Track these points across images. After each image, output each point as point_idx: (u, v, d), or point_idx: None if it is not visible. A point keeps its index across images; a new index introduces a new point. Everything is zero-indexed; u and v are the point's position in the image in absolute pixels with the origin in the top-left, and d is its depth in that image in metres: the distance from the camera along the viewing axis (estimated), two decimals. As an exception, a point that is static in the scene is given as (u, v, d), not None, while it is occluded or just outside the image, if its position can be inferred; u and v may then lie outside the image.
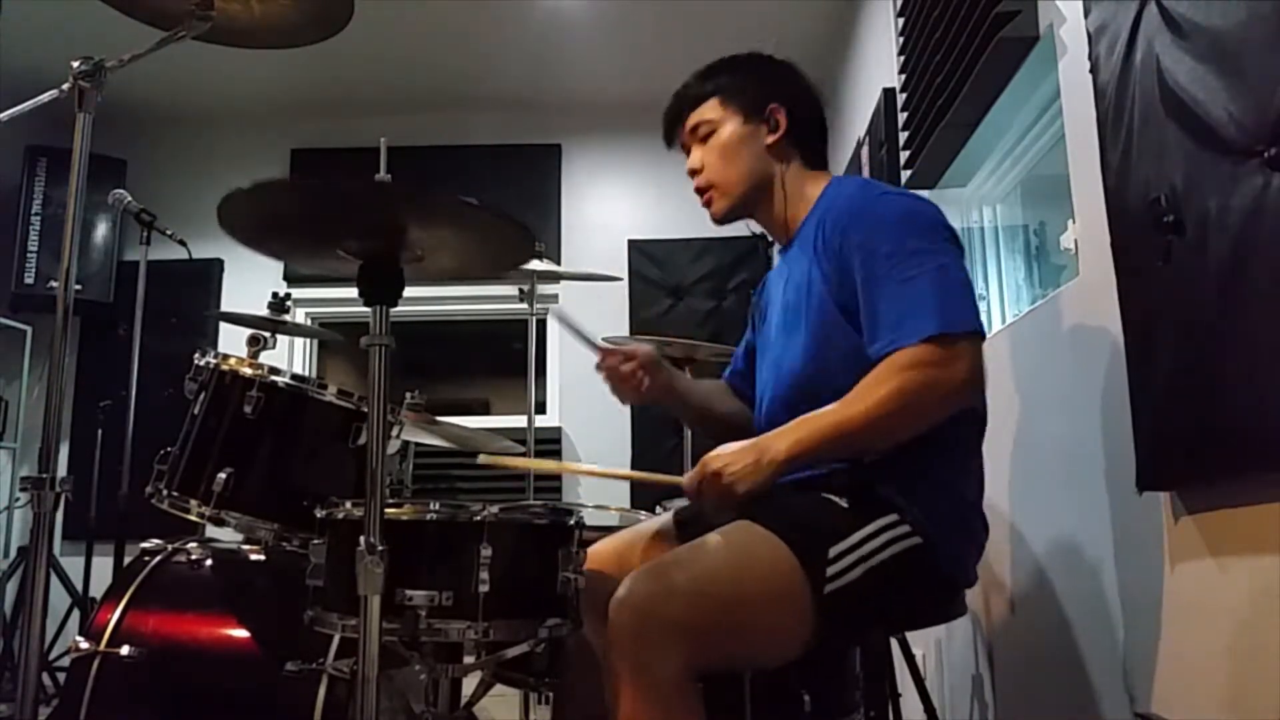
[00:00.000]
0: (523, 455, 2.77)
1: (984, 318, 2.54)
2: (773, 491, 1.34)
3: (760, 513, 1.29)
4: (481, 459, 1.53)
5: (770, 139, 1.51)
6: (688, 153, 1.58)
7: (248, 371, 1.75)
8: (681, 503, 1.79)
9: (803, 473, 1.38)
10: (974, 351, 1.25)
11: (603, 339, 1.62)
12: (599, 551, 1.53)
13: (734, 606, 1.22)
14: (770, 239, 1.65)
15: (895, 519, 1.29)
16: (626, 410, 4.16)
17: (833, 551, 1.25)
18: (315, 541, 1.38)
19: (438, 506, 1.35)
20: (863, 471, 1.33)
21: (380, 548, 1.15)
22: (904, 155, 2.68)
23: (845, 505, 1.31)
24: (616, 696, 1.17)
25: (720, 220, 1.57)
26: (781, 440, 1.27)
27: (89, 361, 4.17)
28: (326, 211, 1.25)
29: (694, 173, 1.56)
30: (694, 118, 1.55)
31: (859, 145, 3.25)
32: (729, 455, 1.28)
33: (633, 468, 4.04)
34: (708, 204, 1.56)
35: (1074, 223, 1.75)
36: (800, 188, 1.53)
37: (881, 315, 1.28)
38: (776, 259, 1.63)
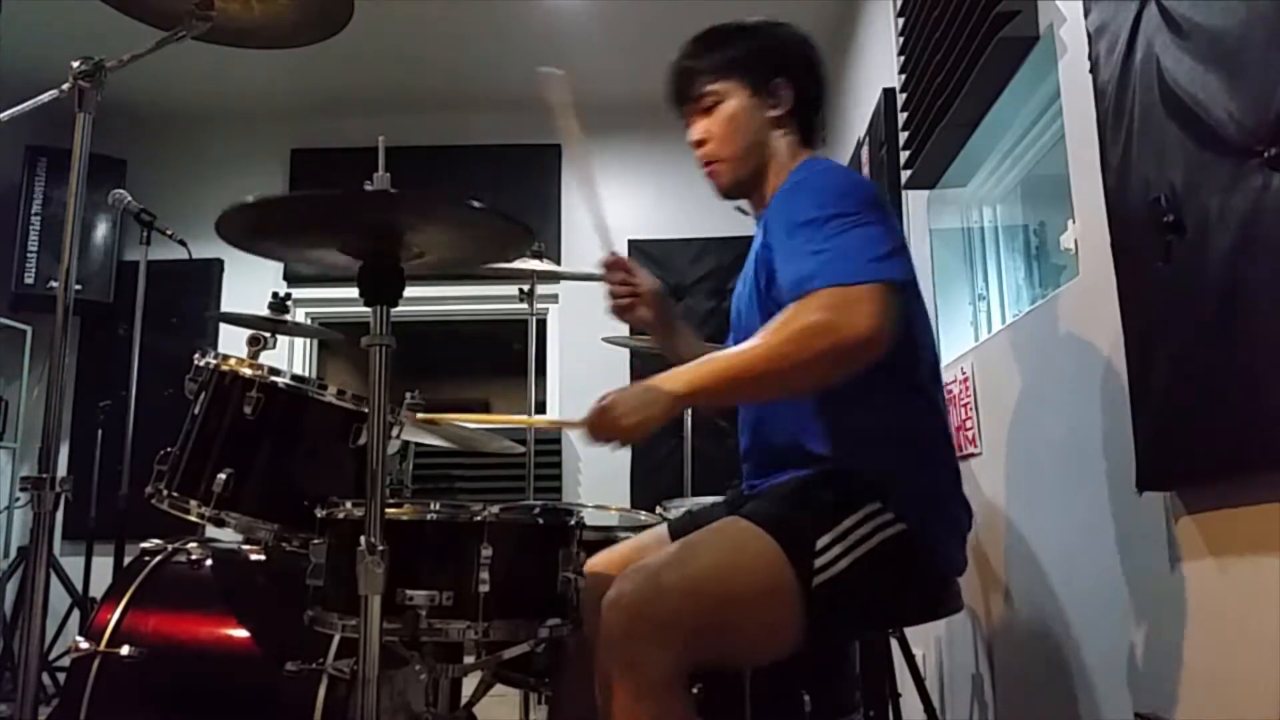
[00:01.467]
0: (523, 455, 2.78)
1: (984, 317, 2.55)
2: (757, 493, 1.34)
3: (745, 510, 1.30)
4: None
5: (773, 113, 1.50)
6: (689, 123, 1.56)
7: (248, 372, 1.75)
8: (677, 508, 1.80)
9: (785, 475, 1.39)
10: (876, 298, 1.20)
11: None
12: (601, 560, 1.53)
13: (724, 604, 1.22)
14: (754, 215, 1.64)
15: (879, 506, 1.29)
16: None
17: (819, 543, 1.24)
18: (315, 541, 1.39)
19: (438, 506, 1.35)
20: (842, 463, 1.34)
21: (380, 548, 1.15)
22: (904, 155, 2.68)
23: (829, 497, 1.31)
24: (607, 696, 1.17)
25: (725, 193, 1.56)
26: (675, 379, 1.24)
27: (89, 361, 4.18)
28: (326, 214, 1.25)
29: (698, 144, 1.53)
30: (701, 89, 1.51)
31: (859, 145, 3.25)
32: (620, 392, 1.25)
33: (632, 468, 4.05)
34: (710, 175, 1.54)
35: (1074, 223, 1.75)
36: (787, 163, 1.52)
37: (793, 272, 1.27)
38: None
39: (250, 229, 1.28)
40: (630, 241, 4.32)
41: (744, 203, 1.61)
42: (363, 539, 1.15)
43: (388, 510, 1.25)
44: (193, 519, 1.71)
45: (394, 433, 1.86)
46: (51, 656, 3.33)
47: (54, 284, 3.82)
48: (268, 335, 1.96)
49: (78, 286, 2.41)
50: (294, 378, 1.76)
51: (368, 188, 1.19)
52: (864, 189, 1.37)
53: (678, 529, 1.53)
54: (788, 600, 1.22)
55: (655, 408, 1.23)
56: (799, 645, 1.25)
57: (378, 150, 1.26)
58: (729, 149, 1.50)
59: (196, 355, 1.82)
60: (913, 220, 2.77)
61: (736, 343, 1.63)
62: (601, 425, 1.25)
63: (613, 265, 1.62)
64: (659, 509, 2.16)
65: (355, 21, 1.59)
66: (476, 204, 1.19)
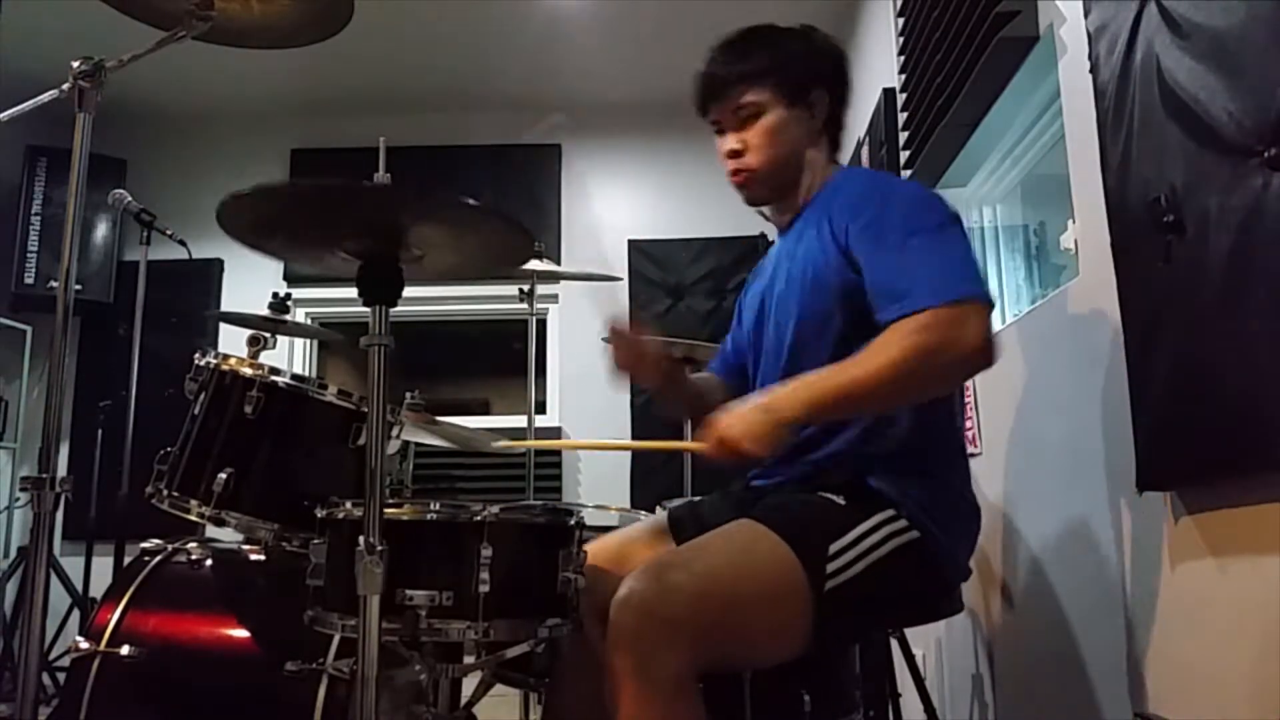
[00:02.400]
0: (523, 455, 2.77)
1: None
2: (769, 493, 1.34)
3: (758, 512, 1.29)
4: (496, 445, 1.51)
5: (812, 123, 1.51)
6: (720, 130, 1.54)
7: (248, 371, 1.74)
8: (678, 502, 1.79)
9: (796, 474, 1.38)
10: (984, 316, 1.23)
11: (603, 339, 1.61)
12: (597, 550, 1.52)
13: (735, 606, 1.22)
14: (775, 224, 1.63)
15: (892, 514, 1.30)
16: (626, 411, 4.17)
17: (832, 549, 1.25)
18: (315, 541, 1.38)
19: (438, 506, 1.34)
20: (857, 468, 1.33)
21: (380, 548, 1.15)
22: (904, 155, 2.68)
23: (842, 502, 1.31)
24: (616, 697, 1.17)
25: (753, 203, 1.56)
26: (788, 401, 1.23)
27: (89, 361, 4.17)
28: (326, 212, 1.25)
29: (735, 154, 1.51)
30: (740, 99, 1.49)
31: (859, 145, 3.25)
32: (737, 417, 1.24)
33: (632, 468, 4.05)
34: (742, 185, 1.52)
35: (1074, 223, 1.75)
36: (819, 174, 1.53)
37: (890, 284, 1.28)
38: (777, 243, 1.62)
39: (251, 223, 1.27)
40: (630, 241, 4.32)
41: (767, 208, 1.61)
42: (362, 539, 1.15)
43: (388, 510, 1.24)
44: (193, 519, 1.71)
45: (394, 433, 1.86)
46: (51, 656, 3.33)
47: (54, 284, 3.81)
48: (268, 335, 1.95)
49: (78, 286, 2.41)
50: (294, 377, 1.76)
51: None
52: (940, 200, 1.38)
53: (678, 516, 1.53)
54: (798, 604, 1.23)
55: (778, 431, 1.21)
56: (806, 648, 1.25)
57: (378, 150, 1.26)
58: (768, 163, 1.49)
59: (196, 355, 1.82)
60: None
61: (748, 340, 1.64)
62: (726, 450, 1.23)
63: (615, 333, 1.57)
64: (659, 509, 2.15)
65: (355, 21, 1.59)
66: (472, 202, 1.18)
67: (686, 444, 1.37)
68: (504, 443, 1.55)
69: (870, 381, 1.21)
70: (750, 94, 1.48)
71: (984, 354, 1.21)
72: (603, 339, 1.56)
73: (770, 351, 1.52)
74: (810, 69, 1.51)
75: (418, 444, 2.68)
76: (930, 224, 1.31)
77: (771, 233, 1.65)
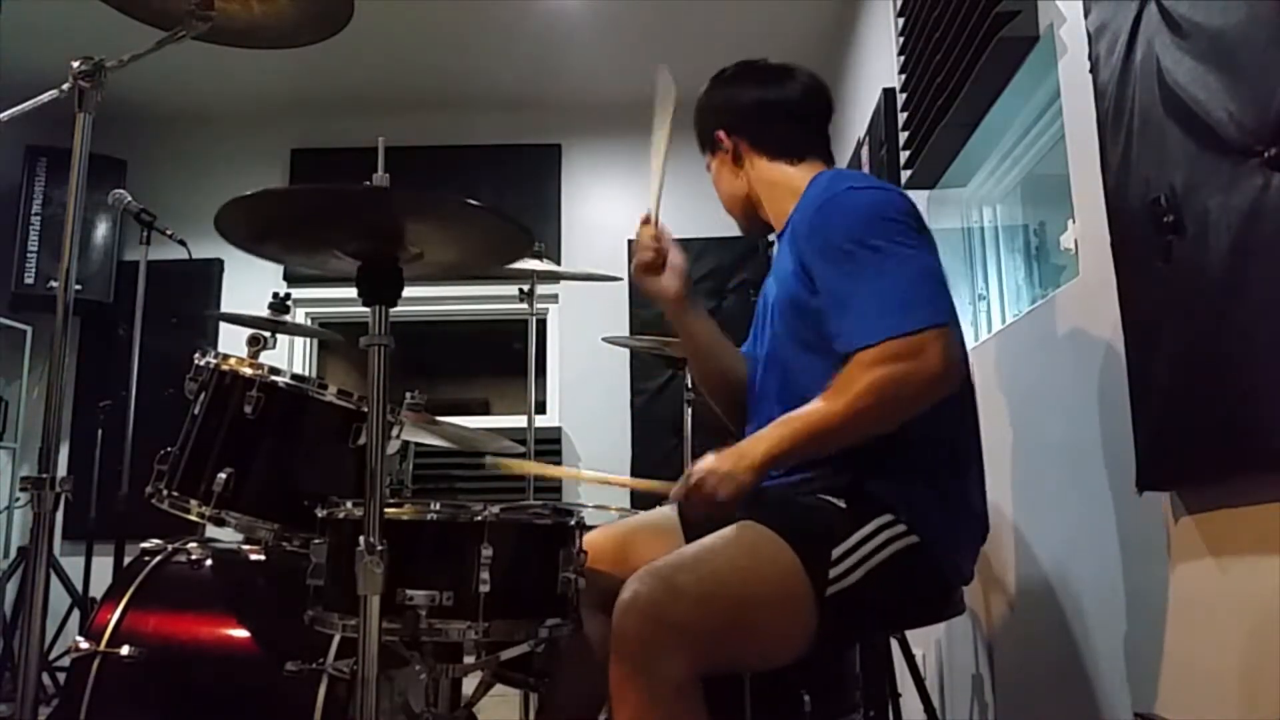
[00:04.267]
0: (523, 456, 2.77)
1: (984, 317, 2.54)
2: (771, 493, 1.34)
3: (761, 514, 1.29)
4: (488, 461, 1.54)
5: (728, 160, 1.63)
6: None
7: (248, 371, 1.75)
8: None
9: (796, 475, 1.39)
10: (941, 341, 1.25)
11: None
12: (595, 542, 1.52)
13: (739, 609, 1.22)
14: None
15: (891, 519, 1.30)
16: (626, 411, 4.17)
17: (834, 553, 1.25)
18: (315, 541, 1.38)
19: (438, 506, 1.34)
20: (858, 471, 1.34)
21: (380, 548, 1.15)
22: (904, 155, 2.68)
23: (843, 506, 1.31)
24: (619, 699, 1.17)
25: (745, 234, 1.74)
26: (760, 444, 1.29)
27: (89, 361, 4.17)
28: (325, 214, 1.25)
29: None
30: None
31: (859, 145, 3.25)
32: (710, 464, 1.30)
33: (632, 468, 4.05)
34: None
35: (1074, 223, 1.75)
36: (775, 182, 1.58)
37: (843, 312, 1.31)
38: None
39: (250, 227, 1.27)
40: (630, 242, 4.31)
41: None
42: (362, 539, 1.15)
43: (388, 510, 1.25)
44: (193, 519, 1.71)
45: (394, 433, 1.86)
46: (51, 656, 3.32)
47: (54, 284, 3.82)
48: (268, 335, 1.95)
49: (78, 286, 2.41)
50: (294, 377, 1.76)
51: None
52: (893, 206, 1.38)
53: (686, 513, 1.53)
54: (801, 607, 1.23)
55: (747, 477, 1.27)
56: (808, 651, 1.26)
57: (378, 150, 1.26)
58: (726, 207, 1.70)
59: (196, 355, 1.82)
60: (913, 220, 2.77)
61: (754, 334, 1.66)
62: (698, 500, 1.29)
63: (646, 221, 1.67)
64: (659, 509, 2.15)
65: (355, 21, 1.59)
66: (473, 203, 1.19)
67: (663, 484, 1.39)
68: (496, 460, 1.58)
69: (835, 419, 1.26)
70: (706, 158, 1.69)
71: (946, 380, 1.25)
72: (640, 221, 1.69)
73: (766, 355, 1.55)
74: (704, 118, 1.66)
75: (418, 444, 2.68)
76: (881, 241, 1.31)
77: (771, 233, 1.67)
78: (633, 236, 1.65)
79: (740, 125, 1.62)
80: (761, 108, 1.61)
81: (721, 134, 1.62)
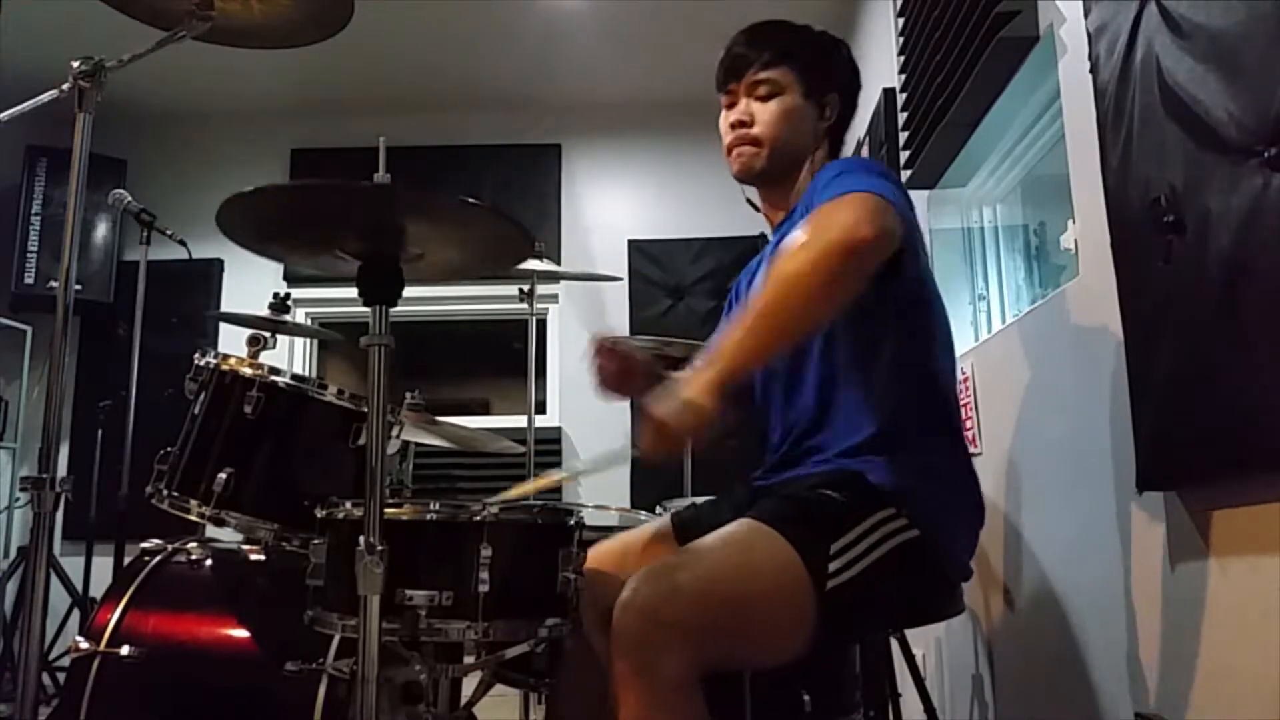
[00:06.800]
0: (523, 454, 2.77)
1: (984, 317, 2.55)
2: (769, 489, 1.34)
3: (759, 510, 1.29)
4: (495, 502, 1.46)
5: (820, 123, 1.56)
6: (730, 103, 1.57)
7: (248, 371, 1.74)
8: (681, 504, 1.79)
9: (794, 471, 1.39)
10: (857, 203, 1.19)
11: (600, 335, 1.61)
12: (599, 553, 1.53)
13: (738, 606, 1.21)
14: (767, 219, 1.65)
15: (892, 512, 1.29)
16: (626, 411, 4.16)
17: (834, 548, 1.25)
18: (315, 541, 1.38)
19: (438, 506, 1.34)
20: (857, 465, 1.33)
21: (380, 548, 1.15)
22: (904, 155, 2.68)
23: (843, 500, 1.31)
24: (619, 698, 1.17)
25: (745, 176, 1.56)
26: (704, 363, 1.18)
27: (89, 361, 4.17)
28: (325, 212, 1.25)
29: (741, 124, 1.53)
30: (761, 74, 1.53)
31: (859, 145, 3.25)
32: (664, 406, 1.17)
33: (632, 468, 4.05)
34: (740, 157, 1.54)
35: (1074, 223, 1.75)
36: (814, 159, 1.57)
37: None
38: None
39: (251, 224, 1.27)
40: (630, 241, 4.32)
41: (754, 195, 1.63)
42: (362, 539, 1.15)
43: (387, 510, 1.24)
44: (193, 519, 1.71)
45: (394, 433, 1.86)
46: (51, 656, 3.33)
47: (54, 284, 3.82)
48: (268, 335, 1.95)
49: (78, 286, 2.41)
50: (294, 377, 1.76)
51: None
52: (883, 167, 1.42)
53: (682, 520, 1.53)
54: (800, 604, 1.22)
55: (707, 400, 1.15)
56: (808, 648, 1.25)
57: (378, 150, 1.26)
58: (773, 139, 1.52)
59: (196, 355, 1.82)
60: (913, 220, 2.77)
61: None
62: (661, 442, 1.17)
63: (599, 349, 1.58)
64: (659, 509, 2.15)
65: (355, 22, 1.59)
66: (473, 201, 1.19)
67: (628, 449, 1.31)
68: (503, 498, 1.50)
69: (772, 301, 1.17)
70: (773, 72, 1.52)
71: (859, 228, 1.16)
72: (590, 342, 1.56)
73: None
74: (832, 72, 1.59)
75: (418, 444, 2.68)
76: (861, 171, 1.31)
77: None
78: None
79: (844, 111, 1.61)
80: (853, 112, 1.65)
81: (836, 99, 1.58)
